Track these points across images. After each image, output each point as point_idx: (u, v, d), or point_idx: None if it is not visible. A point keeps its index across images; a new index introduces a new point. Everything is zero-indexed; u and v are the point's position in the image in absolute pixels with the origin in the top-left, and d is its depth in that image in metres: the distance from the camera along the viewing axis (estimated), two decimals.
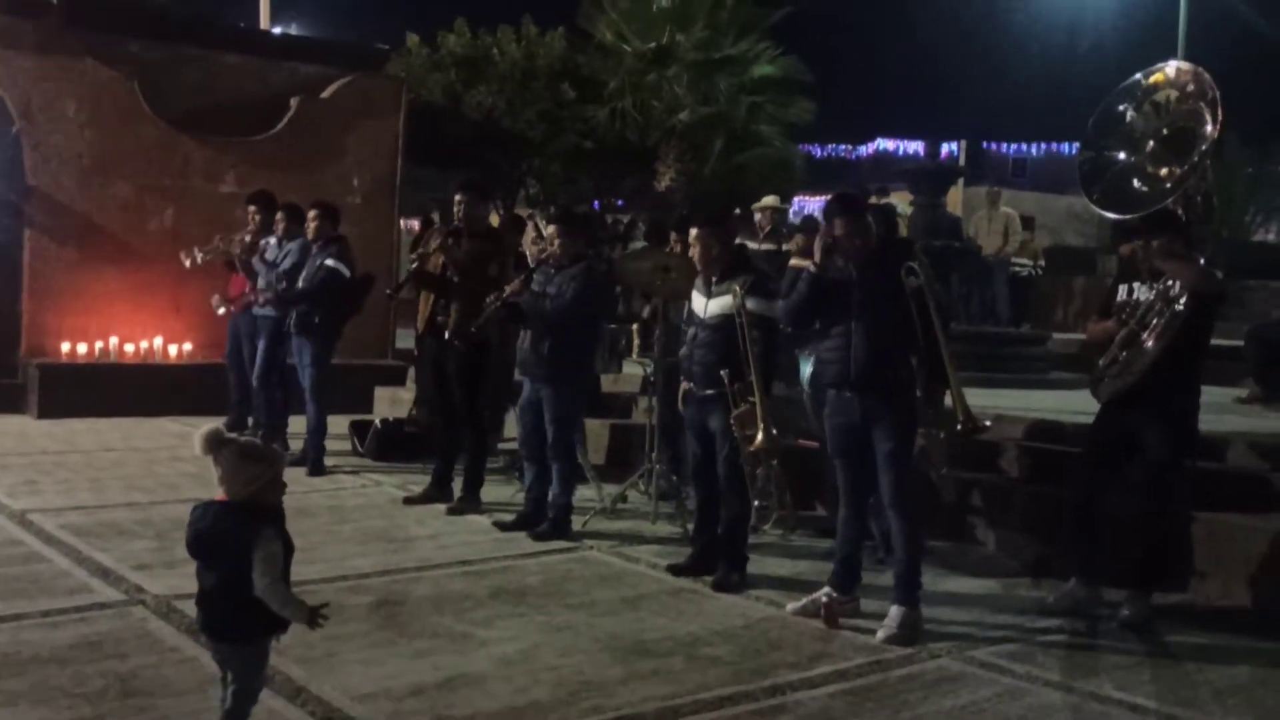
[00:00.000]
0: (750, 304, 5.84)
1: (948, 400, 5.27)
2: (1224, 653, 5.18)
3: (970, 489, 7.07)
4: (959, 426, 5.14)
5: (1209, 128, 6.16)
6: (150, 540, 6.46)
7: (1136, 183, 6.42)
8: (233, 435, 3.61)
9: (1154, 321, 5.48)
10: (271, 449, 3.70)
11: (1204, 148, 6.17)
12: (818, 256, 5.41)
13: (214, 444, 3.50)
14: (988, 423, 5.32)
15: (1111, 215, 6.79)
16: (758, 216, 11.80)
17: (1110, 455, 5.74)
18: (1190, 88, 6.32)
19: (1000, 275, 14.82)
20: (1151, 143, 6.41)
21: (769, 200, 11.62)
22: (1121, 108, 6.57)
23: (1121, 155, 6.52)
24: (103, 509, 7.24)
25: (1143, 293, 5.66)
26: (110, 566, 5.86)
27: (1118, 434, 5.68)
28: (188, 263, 9.96)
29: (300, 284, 8.80)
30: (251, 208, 9.85)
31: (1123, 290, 5.84)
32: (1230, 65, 6.20)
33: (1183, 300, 5.41)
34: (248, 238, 9.60)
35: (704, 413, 6.07)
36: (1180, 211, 6.10)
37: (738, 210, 13.83)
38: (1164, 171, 6.30)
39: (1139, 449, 5.60)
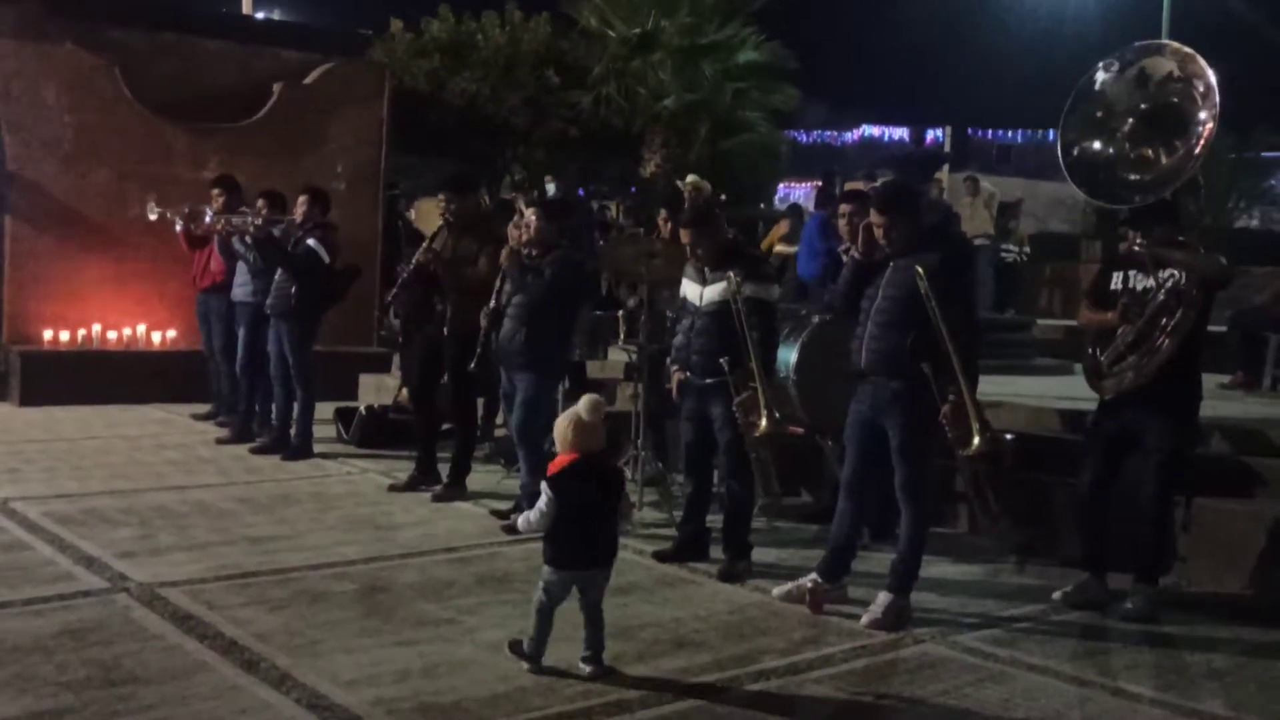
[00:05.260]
0: (747, 289, 5.80)
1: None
2: (1206, 637, 5.21)
3: (954, 474, 7.08)
4: (973, 443, 4.97)
5: (1203, 111, 5.63)
6: (134, 528, 6.44)
7: (1128, 172, 5.89)
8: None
9: (1164, 321, 5.32)
10: None
11: (1202, 130, 5.63)
12: (860, 242, 5.40)
13: (600, 410, 4.38)
14: (1008, 436, 5.18)
15: (1114, 206, 6.38)
16: (687, 195, 11.65)
17: (1113, 447, 5.63)
18: (1189, 67, 5.73)
19: (985, 261, 14.87)
20: (1131, 120, 5.89)
21: (692, 179, 11.48)
22: (1099, 74, 5.96)
23: (1098, 145, 5.94)
24: (86, 497, 7.21)
25: (1141, 282, 5.51)
26: (94, 554, 5.84)
27: (1120, 426, 5.57)
28: (153, 216, 9.82)
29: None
30: (216, 190, 9.81)
31: (1117, 278, 5.66)
32: (1212, 51, 5.80)
33: (1194, 293, 5.28)
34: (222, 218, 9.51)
35: (705, 401, 6.01)
36: (1169, 196, 5.74)
37: (723, 196, 13.76)
38: (1149, 153, 5.86)
39: (1142, 441, 5.49)
